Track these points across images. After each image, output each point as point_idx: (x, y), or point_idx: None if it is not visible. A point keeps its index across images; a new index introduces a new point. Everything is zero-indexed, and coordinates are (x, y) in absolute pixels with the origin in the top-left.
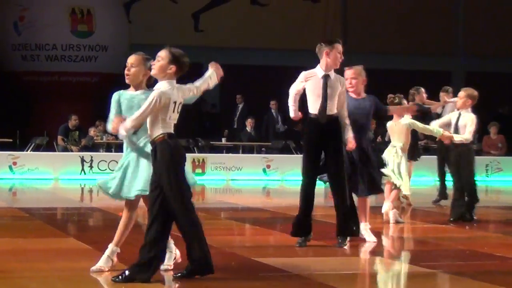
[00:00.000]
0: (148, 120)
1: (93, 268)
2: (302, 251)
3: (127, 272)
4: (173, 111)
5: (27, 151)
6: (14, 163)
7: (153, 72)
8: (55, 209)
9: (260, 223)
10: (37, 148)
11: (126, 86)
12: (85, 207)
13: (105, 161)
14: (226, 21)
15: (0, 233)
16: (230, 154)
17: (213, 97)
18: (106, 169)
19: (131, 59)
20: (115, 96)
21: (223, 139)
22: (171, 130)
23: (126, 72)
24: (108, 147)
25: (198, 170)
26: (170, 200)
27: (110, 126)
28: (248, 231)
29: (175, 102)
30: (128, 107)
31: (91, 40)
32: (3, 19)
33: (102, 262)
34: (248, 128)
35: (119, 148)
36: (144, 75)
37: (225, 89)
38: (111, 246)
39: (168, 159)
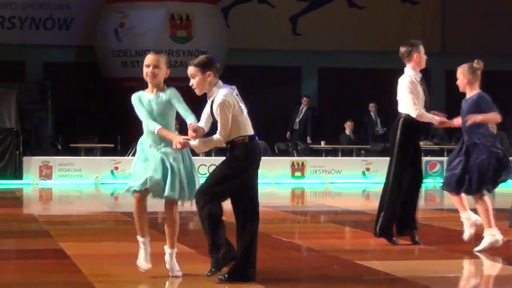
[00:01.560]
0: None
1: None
2: (405, 254)
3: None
4: (242, 111)
5: (128, 156)
6: (116, 168)
7: (198, 92)
8: (156, 213)
9: (360, 226)
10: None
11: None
12: (186, 211)
13: (205, 165)
14: (324, 24)
15: (104, 237)
16: (330, 157)
17: (312, 100)
18: (206, 173)
19: (155, 60)
20: (136, 97)
21: (322, 142)
22: (251, 131)
23: (151, 71)
24: (208, 152)
25: (298, 174)
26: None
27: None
28: (349, 234)
29: (237, 94)
30: (148, 112)
31: (190, 46)
32: (104, 26)
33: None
34: (347, 131)
35: (219, 152)
36: (166, 75)
37: (322, 92)
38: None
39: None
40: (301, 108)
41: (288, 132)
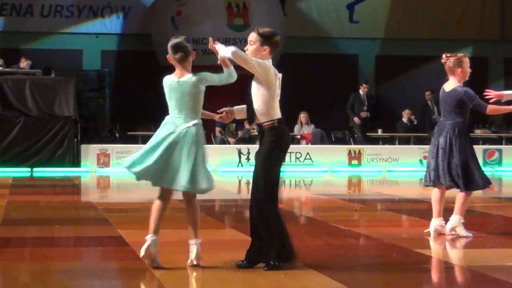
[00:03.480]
0: (259, 99)
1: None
2: (463, 242)
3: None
4: (278, 87)
5: None
6: None
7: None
8: (213, 201)
9: (418, 214)
10: None
11: None
12: (242, 199)
13: None
14: (381, 12)
15: (163, 224)
16: (387, 146)
17: (369, 87)
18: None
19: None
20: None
21: (379, 130)
22: (279, 114)
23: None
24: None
25: (355, 162)
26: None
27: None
28: (406, 222)
29: (278, 77)
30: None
31: (247, 33)
32: (161, 14)
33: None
34: (405, 119)
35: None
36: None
37: (379, 79)
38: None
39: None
40: (362, 94)
41: (356, 118)
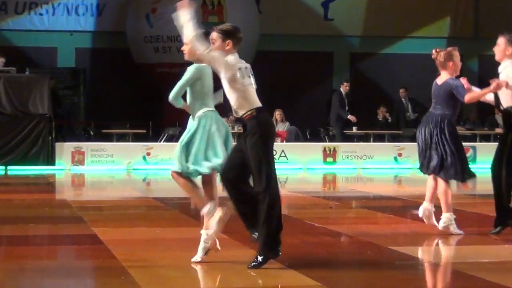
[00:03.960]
0: (231, 95)
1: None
2: (438, 239)
3: (259, 258)
4: (244, 77)
5: (160, 141)
6: (148, 154)
7: None
8: (189, 198)
9: (392, 211)
10: (170, 139)
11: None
12: (219, 197)
13: None
14: (355, 10)
15: (137, 223)
16: (362, 143)
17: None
18: None
19: None
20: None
21: (354, 128)
22: (257, 103)
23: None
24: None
25: (330, 159)
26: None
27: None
28: (381, 219)
29: (240, 68)
30: None
31: None
32: (136, 11)
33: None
34: (380, 117)
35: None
36: None
37: (354, 77)
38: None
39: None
40: (344, 93)
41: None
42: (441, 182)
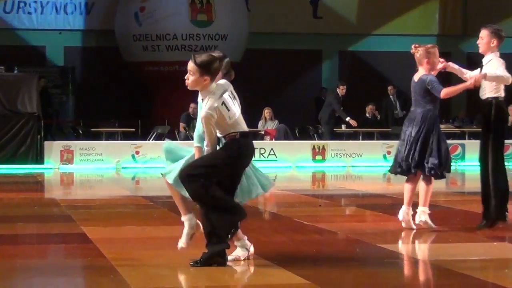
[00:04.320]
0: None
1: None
2: (426, 237)
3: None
4: (229, 110)
5: (149, 140)
6: (137, 152)
7: (189, 87)
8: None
9: (381, 209)
10: (159, 137)
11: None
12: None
13: None
14: (344, 8)
15: (127, 221)
16: (351, 141)
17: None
18: None
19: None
20: None
21: (343, 126)
22: (243, 128)
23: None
24: None
25: (319, 157)
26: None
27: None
28: (370, 217)
29: (223, 103)
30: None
31: (210, 30)
32: (124, 10)
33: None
34: (368, 114)
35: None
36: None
37: (342, 75)
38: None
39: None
40: (340, 96)
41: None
42: (424, 179)
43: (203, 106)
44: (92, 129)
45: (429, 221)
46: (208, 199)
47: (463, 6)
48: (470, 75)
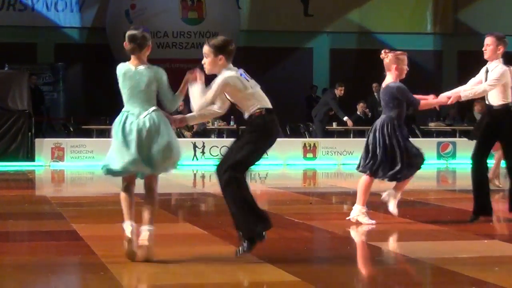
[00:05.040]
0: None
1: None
2: (417, 235)
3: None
4: (248, 80)
5: None
6: None
7: (206, 71)
8: (169, 194)
9: (372, 207)
10: None
11: None
12: (198, 193)
13: (217, 147)
14: (336, 5)
15: (117, 218)
16: (341, 139)
17: (324, 81)
18: (218, 155)
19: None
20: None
21: (334, 124)
22: (268, 104)
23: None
24: (220, 133)
25: (310, 155)
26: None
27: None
28: None
29: (238, 78)
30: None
31: (201, 27)
32: (115, 7)
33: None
34: (359, 112)
35: (230, 133)
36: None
37: (333, 73)
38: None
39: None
40: (338, 96)
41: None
42: (366, 177)
43: (219, 76)
44: (83, 127)
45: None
46: (241, 203)
47: (454, 4)
48: (449, 94)
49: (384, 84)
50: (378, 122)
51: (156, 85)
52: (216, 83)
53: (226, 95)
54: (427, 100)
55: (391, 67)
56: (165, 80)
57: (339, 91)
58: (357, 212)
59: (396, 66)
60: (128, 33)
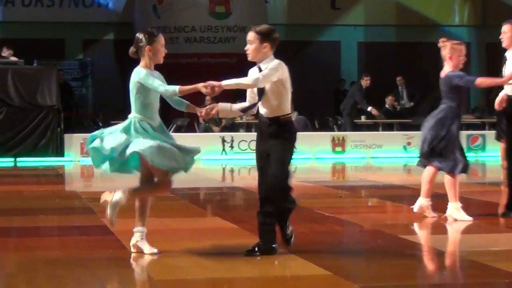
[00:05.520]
0: (277, 96)
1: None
2: (448, 228)
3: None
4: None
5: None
6: None
7: (250, 58)
8: (198, 189)
9: (402, 200)
10: (178, 130)
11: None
12: (227, 187)
13: (246, 141)
14: None
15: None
16: (370, 132)
17: (352, 75)
18: (246, 149)
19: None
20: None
21: (363, 117)
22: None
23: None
24: (248, 127)
25: (338, 148)
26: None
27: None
28: (391, 208)
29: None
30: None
31: (228, 21)
32: (143, 2)
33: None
34: (387, 105)
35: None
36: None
37: (361, 66)
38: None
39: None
40: (364, 87)
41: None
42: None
43: (275, 61)
44: (112, 122)
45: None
46: (280, 208)
47: None
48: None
49: (442, 74)
50: (439, 112)
51: (139, 88)
52: (272, 65)
53: (272, 84)
54: (488, 78)
55: (448, 57)
56: (143, 78)
57: (365, 81)
58: (451, 209)
59: (452, 55)
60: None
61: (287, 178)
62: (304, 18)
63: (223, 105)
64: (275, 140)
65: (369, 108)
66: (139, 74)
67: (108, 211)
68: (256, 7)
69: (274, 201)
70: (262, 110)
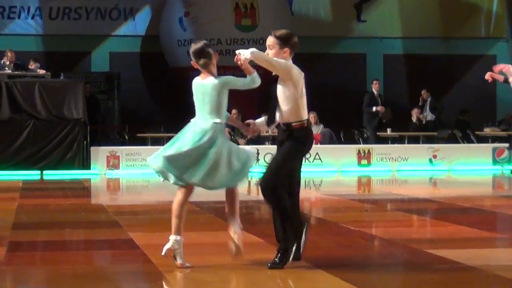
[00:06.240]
0: (287, 100)
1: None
2: (475, 242)
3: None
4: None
5: None
6: None
7: None
8: (223, 202)
9: (428, 214)
10: None
11: None
12: (252, 200)
13: (271, 154)
14: (389, 11)
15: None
16: (396, 145)
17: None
18: None
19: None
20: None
21: (388, 130)
22: (306, 114)
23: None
24: (274, 140)
25: (364, 161)
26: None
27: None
28: (417, 222)
29: (302, 76)
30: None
31: (254, 34)
32: (169, 15)
33: None
34: (413, 118)
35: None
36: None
37: (387, 79)
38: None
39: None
40: (375, 92)
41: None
42: None
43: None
44: (138, 134)
45: None
46: (279, 209)
47: (508, 9)
48: None
49: None
50: None
51: (225, 93)
52: (281, 61)
53: (281, 87)
54: None
55: None
56: (231, 79)
57: (374, 85)
58: None
59: None
60: (193, 49)
61: (277, 184)
62: (329, 30)
63: (259, 121)
64: (284, 145)
65: (374, 109)
66: (227, 78)
67: (178, 260)
68: (282, 20)
69: (267, 202)
70: (279, 117)
